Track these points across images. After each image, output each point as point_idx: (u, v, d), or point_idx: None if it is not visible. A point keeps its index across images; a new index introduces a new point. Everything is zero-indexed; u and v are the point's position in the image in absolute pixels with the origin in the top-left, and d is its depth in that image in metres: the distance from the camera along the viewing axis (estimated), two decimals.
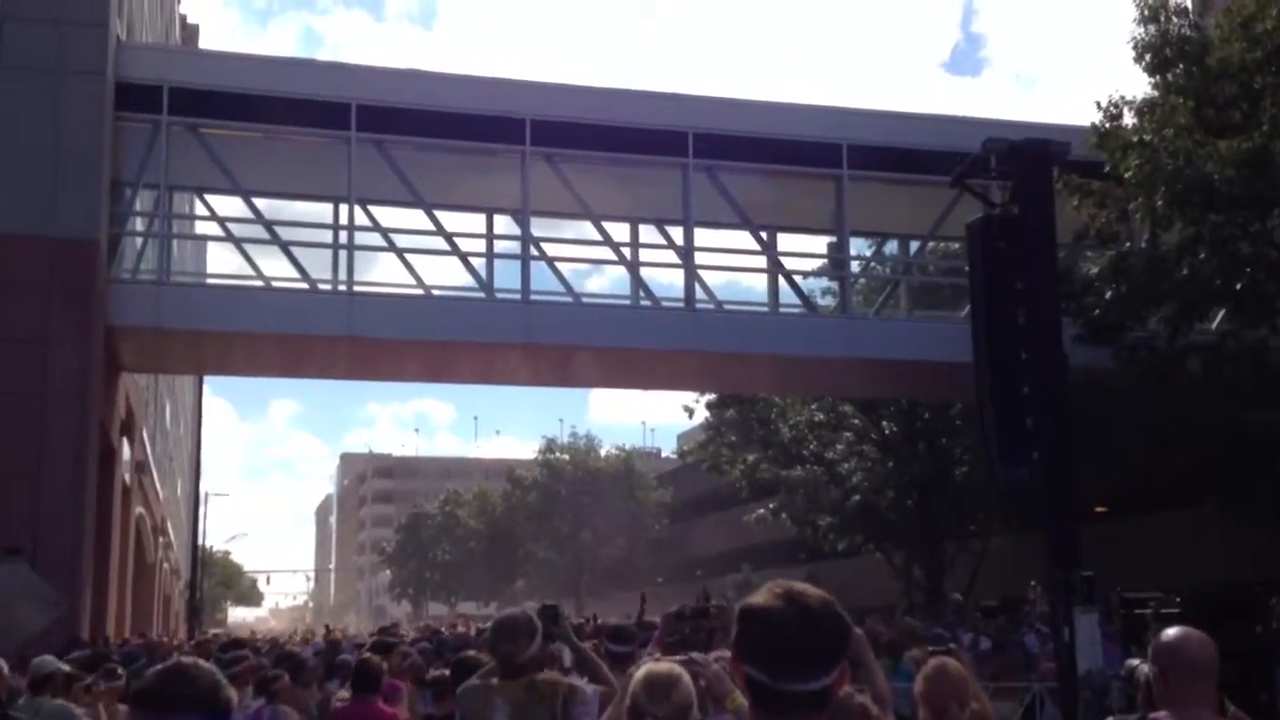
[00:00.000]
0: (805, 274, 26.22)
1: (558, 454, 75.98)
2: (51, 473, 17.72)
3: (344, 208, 21.36)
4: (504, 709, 4.94)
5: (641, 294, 22.74)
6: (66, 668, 8.76)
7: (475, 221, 24.34)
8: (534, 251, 21.91)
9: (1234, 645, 4.11)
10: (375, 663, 8.21)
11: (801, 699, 2.40)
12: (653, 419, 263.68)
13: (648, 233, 24.09)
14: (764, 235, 23.89)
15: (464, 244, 22.40)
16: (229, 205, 22.91)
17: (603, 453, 76.56)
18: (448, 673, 7.91)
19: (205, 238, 27.81)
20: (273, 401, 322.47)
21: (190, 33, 49.72)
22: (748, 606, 2.48)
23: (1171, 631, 3.98)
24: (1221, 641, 4.01)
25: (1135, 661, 5.69)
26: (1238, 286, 18.80)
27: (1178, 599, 12.19)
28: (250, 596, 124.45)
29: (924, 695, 4.64)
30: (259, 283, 21.69)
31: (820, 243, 26.51)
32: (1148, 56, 19.78)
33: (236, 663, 8.96)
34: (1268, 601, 12.54)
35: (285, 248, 21.45)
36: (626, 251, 23.47)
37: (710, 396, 35.10)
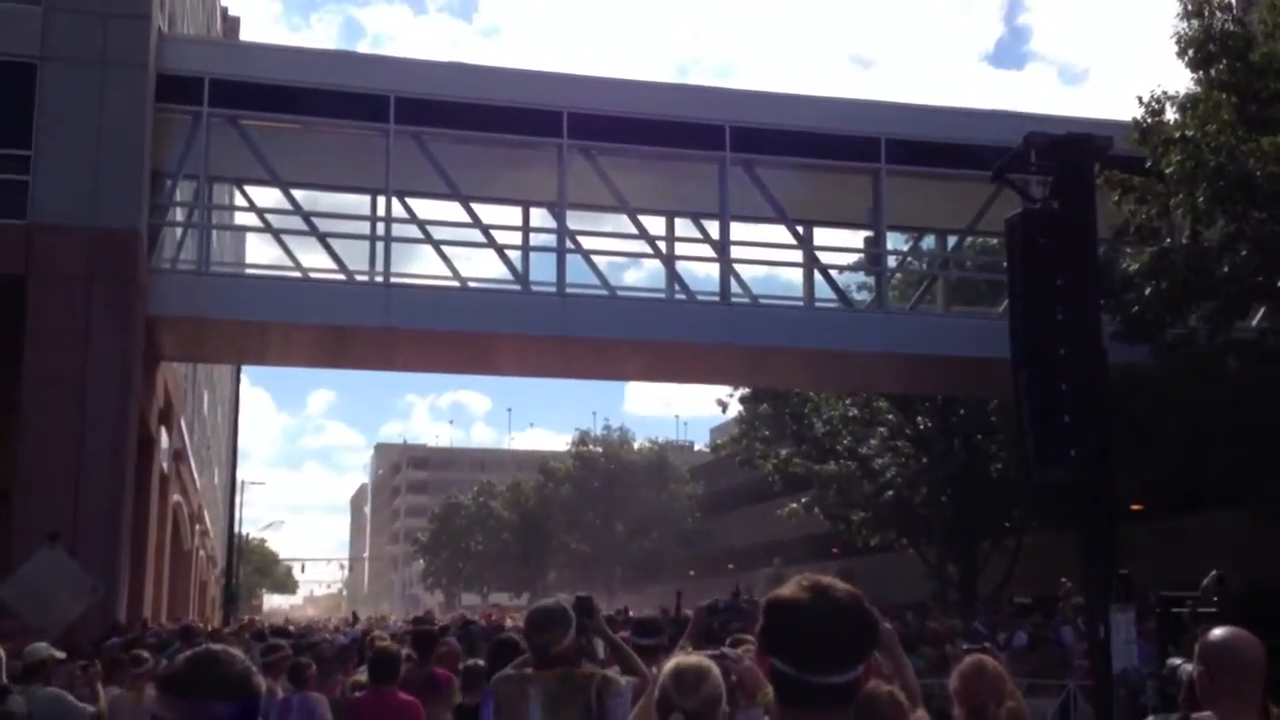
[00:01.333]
0: (841, 269, 26.19)
1: (591, 446, 76.14)
2: (91, 460, 17.92)
3: (382, 200, 21.49)
4: (538, 699, 4.96)
5: (677, 288, 22.73)
6: (59, 654, 8.81)
7: (512, 214, 24.45)
8: (570, 245, 21.96)
9: (1274, 647, 4.06)
10: (392, 651, 8.22)
11: (827, 692, 2.40)
12: (686, 412, 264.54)
13: (684, 226, 24.09)
14: (800, 229, 23.83)
15: (501, 237, 22.47)
16: (268, 196, 23.15)
17: (636, 445, 76.68)
18: (480, 662, 7.92)
19: (244, 229, 28.12)
20: (310, 391, 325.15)
21: (231, 25, 50.09)
22: (774, 599, 2.47)
23: (1220, 631, 3.92)
24: (1262, 643, 3.95)
25: (1177, 661, 5.61)
26: (1279, 283, 18.58)
27: (1215, 598, 12.05)
28: (285, 584, 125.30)
29: (960, 693, 4.60)
30: (297, 274, 21.86)
31: (857, 237, 26.47)
32: (1190, 52, 19.57)
33: (273, 651, 9.07)
34: None
35: (323, 239, 21.60)
36: (662, 245, 23.47)
37: (744, 390, 35.04)
